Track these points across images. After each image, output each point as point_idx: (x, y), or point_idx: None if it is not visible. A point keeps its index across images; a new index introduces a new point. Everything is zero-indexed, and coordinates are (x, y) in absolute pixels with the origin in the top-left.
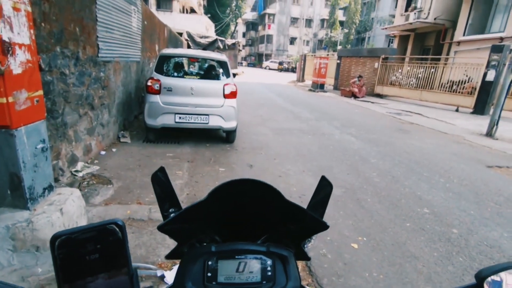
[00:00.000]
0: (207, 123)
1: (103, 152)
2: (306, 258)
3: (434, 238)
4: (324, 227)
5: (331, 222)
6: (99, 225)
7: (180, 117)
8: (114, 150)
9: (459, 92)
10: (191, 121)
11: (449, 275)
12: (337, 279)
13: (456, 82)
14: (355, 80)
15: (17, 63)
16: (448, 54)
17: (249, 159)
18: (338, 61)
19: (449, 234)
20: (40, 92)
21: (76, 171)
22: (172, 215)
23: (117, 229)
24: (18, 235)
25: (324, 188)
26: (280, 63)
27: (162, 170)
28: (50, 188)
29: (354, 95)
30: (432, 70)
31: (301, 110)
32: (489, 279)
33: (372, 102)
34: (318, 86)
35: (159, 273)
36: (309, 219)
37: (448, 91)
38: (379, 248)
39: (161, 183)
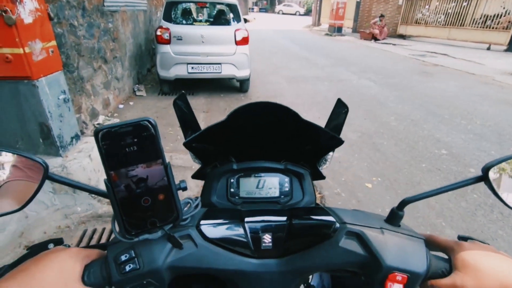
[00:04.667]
0: (220, 72)
1: (121, 106)
2: (321, 177)
3: (449, 177)
4: (339, 142)
5: (346, 165)
6: (134, 121)
7: (192, 67)
8: (131, 103)
9: (493, 28)
10: (204, 70)
11: (461, 210)
12: None
13: (490, 16)
14: (376, 20)
15: (27, 11)
16: None
17: None
18: (358, 0)
19: (466, 173)
20: (54, 43)
21: (98, 123)
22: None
23: (150, 126)
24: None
25: (339, 111)
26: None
27: (182, 96)
28: (76, 137)
29: (374, 38)
30: (464, 3)
31: (316, 56)
32: (493, 169)
33: (394, 44)
34: (335, 30)
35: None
36: (324, 136)
37: (480, 27)
38: (393, 187)
39: (182, 109)
